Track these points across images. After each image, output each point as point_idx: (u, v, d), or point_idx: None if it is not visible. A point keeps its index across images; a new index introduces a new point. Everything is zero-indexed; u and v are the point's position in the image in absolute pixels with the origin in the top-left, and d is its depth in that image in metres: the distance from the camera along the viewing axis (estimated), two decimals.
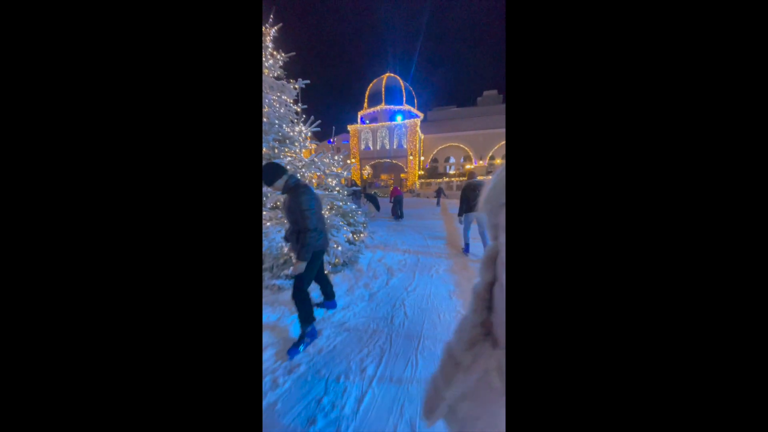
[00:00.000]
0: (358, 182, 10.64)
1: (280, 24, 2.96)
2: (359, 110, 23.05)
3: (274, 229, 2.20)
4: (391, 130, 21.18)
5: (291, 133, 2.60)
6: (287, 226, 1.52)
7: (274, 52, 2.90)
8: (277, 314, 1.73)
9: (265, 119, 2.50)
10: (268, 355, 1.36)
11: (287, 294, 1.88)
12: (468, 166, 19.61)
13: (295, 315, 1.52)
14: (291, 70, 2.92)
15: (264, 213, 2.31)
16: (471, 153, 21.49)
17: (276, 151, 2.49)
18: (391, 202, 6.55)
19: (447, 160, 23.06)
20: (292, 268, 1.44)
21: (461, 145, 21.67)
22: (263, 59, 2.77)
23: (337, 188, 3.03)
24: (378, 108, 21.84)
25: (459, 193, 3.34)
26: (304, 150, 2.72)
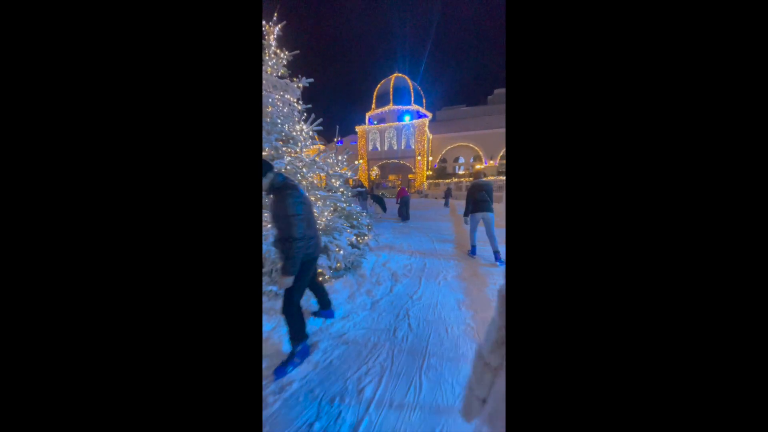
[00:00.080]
0: (365, 183, 10.58)
1: (284, 22, 2.90)
2: (367, 111, 23.07)
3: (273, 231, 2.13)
4: (398, 130, 21.04)
5: (293, 133, 2.53)
6: (273, 230, 1.37)
7: (278, 50, 2.84)
8: (272, 323, 1.63)
9: (267, 119, 2.44)
10: None
11: None
12: (478, 166, 19.18)
13: None
14: (298, 70, 2.85)
15: (264, 215, 2.24)
16: (481, 153, 21.00)
17: (280, 151, 2.42)
18: (397, 203, 6.42)
19: (456, 160, 22.66)
20: (277, 282, 1.29)
21: (471, 145, 21.23)
22: (266, 57, 2.71)
23: (341, 189, 2.93)
24: (386, 108, 21.76)
25: (465, 193, 3.19)
26: (308, 149, 2.64)
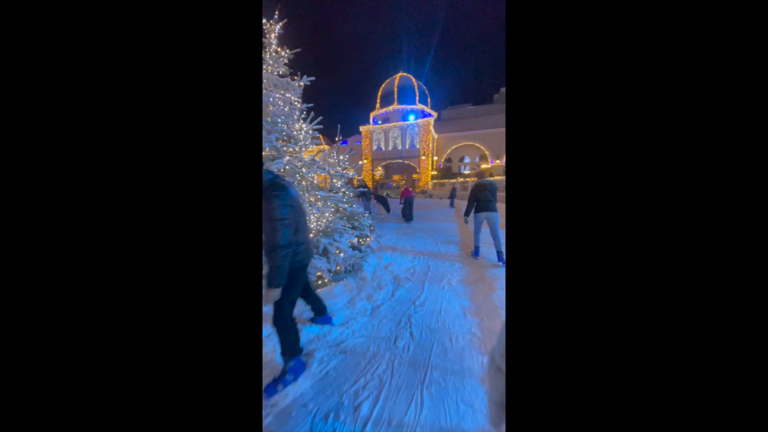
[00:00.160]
0: (369, 183, 10.54)
1: (285, 20, 2.85)
2: (371, 111, 23.02)
3: None
4: (403, 130, 20.93)
5: (293, 132, 2.47)
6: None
7: (279, 49, 2.79)
8: (267, 331, 1.57)
9: (268, 118, 2.39)
10: None
11: None
12: (484, 166, 18.89)
13: None
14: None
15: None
16: (487, 152, 20.68)
17: (280, 151, 2.37)
18: (401, 203, 6.32)
19: (461, 159, 22.38)
20: (263, 296, 1.09)
21: (477, 144, 20.93)
22: (267, 56, 2.67)
23: (343, 189, 2.86)
24: (390, 108, 21.67)
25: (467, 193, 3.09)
26: (309, 149, 2.58)
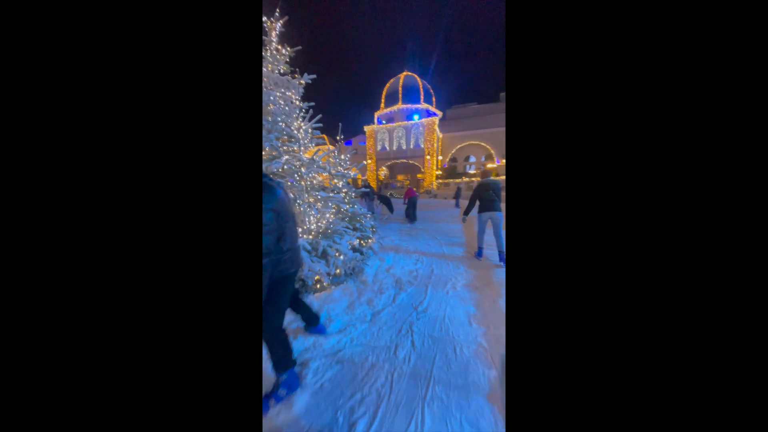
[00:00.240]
0: (373, 184, 10.48)
1: (286, 17, 2.80)
2: (376, 111, 22.97)
3: None
4: (407, 129, 20.80)
5: (293, 131, 2.41)
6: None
7: (279, 47, 2.75)
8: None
9: (269, 117, 2.34)
10: None
11: None
12: (490, 165, 18.58)
13: None
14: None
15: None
16: (493, 151, 20.35)
17: (281, 150, 2.32)
18: (404, 203, 6.23)
19: (467, 159, 22.10)
20: None
21: (482, 144, 20.62)
22: (267, 54, 2.62)
23: (345, 190, 2.79)
24: (394, 108, 21.57)
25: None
26: (311, 149, 2.52)
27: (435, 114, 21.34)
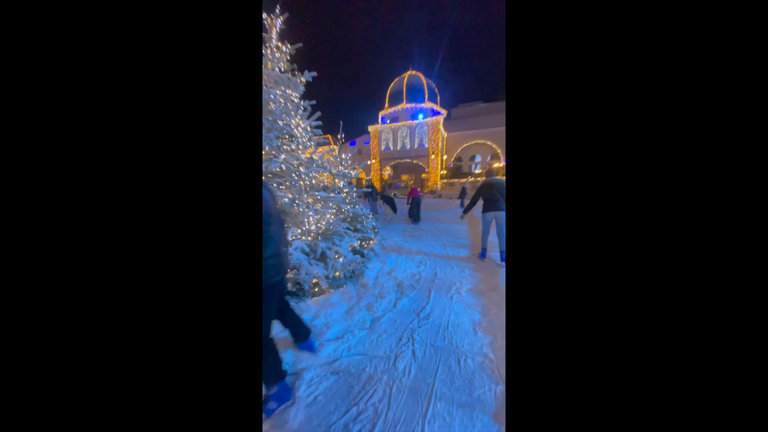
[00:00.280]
0: (377, 184, 10.43)
1: (287, 14, 2.75)
2: (380, 111, 22.89)
3: None
4: (412, 129, 20.65)
5: (293, 129, 2.35)
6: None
7: (280, 44, 2.69)
8: None
9: (269, 116, 2.29)
10: None
11: None
12: (496, 165, 18.28)
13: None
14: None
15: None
16: (499, 150, 19.99)
17: (281, 149, 2.26)
18: (408, 203, 6.13)
19: (472, 158, 21.81)
20: None
21: (488, 143, 20.29)
22: (268, 52, 2.57)
23: (346, 190, 2.72)
24: (399, 107, 21.46)
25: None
26: (310, 149, 2.46)
27: (440, 113, 21.11)
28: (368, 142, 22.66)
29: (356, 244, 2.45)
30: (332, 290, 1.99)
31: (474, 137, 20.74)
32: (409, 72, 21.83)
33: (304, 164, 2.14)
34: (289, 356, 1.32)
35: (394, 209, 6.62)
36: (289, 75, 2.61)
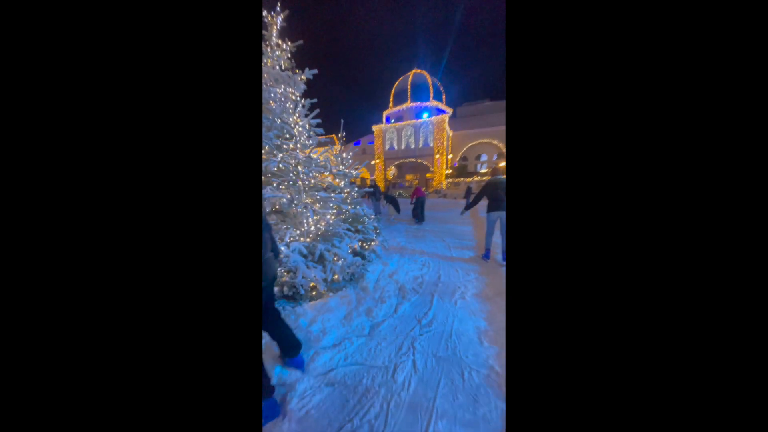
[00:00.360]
0: (381, 183, 10.35)
1: (287, 11, 2.69)
2: (384, 110, 22.79)
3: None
4: (416, 128, 20.48)
5: (292, 127, 2.30)
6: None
7: (280, 42, 2.64)
8: None
9: (270, 115, 2.23)
10: None
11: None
12: (502, 164, 17.95)
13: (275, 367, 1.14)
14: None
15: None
16: (505, 150, 19.61)
17: (281, 148, 2.20)
18: (412, 203, 6.03)
19: (478, 157, 21.47)
20: None
21: (494, 141, 19.95)
22: (268, 50, 2.53)
23: (347, 190, 2.65)
24: (403, 106, 21.31)
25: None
26: (311, 147, 2.40)
27: (445, 111, 20.85)
28: (372, 142, 22.59)
29: (356, 245, 2.38)
30: (331, 294, 1.92)
31: (480, 136, 20.42)
32: (414, 70, 21.65)
33: (302, 163, 2.08)
34: (278, 371, 1.25)
35: (398, 209, 6.53)
36: (290, 73, 2.56)
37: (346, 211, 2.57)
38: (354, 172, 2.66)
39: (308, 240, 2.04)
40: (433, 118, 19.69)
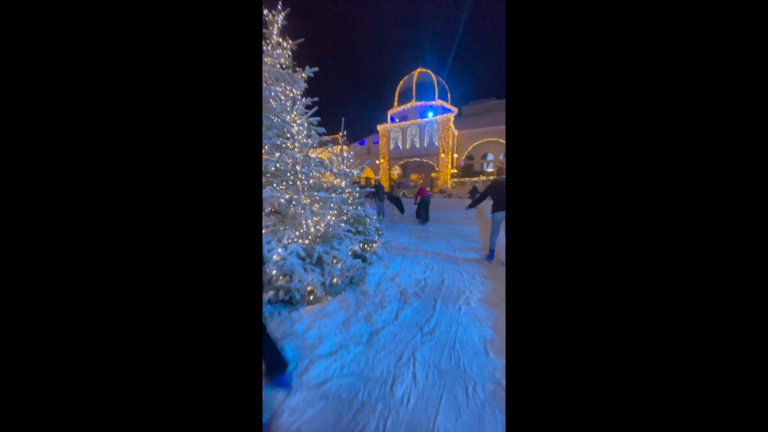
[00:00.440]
0: (385, 183, 10.30)
1: (288, 10, 2.65)
2: (389, 110, 22.69)
3: (264, 239, 1.85)
4: (421, 127, 20.31)
5: (291, 126, 2.24)
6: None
7: (281, 40, 2.60)
8: None
9: (270, 115, 2.19)
10: None
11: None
12: None
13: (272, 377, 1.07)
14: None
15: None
16: None
17: (281, 148, 2.15)
18: (416, 203, 5.93)
19: (484, 157, 21.12)
20: None
21: (500, 140, 19.57)
22: (269, 48, 2.49)
23: (348, 190, 2.58)
24: (408, 105, 21.16)
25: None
26: (311, 146, 2.34)
27: (450, 110, 20.60)
28: (377, 142, 22.53)
29: (357, 247, 2.31)
30: (329, 298, 1.85)
31: (486, 135, 20.08)
32: (418, 69, 21.47)
33: (300, 163, 2.02)
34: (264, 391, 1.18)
35: (402, 209, 6.44)
36: (290, 71, 2.51)
37: (347, 211, 2.50)
38: (356, 172, 2.58)
39: (307, 242, 1.98)
40: (438, 117, 19.48)
